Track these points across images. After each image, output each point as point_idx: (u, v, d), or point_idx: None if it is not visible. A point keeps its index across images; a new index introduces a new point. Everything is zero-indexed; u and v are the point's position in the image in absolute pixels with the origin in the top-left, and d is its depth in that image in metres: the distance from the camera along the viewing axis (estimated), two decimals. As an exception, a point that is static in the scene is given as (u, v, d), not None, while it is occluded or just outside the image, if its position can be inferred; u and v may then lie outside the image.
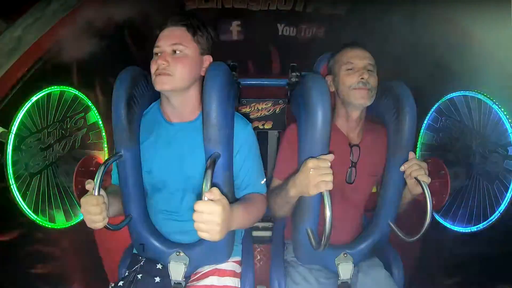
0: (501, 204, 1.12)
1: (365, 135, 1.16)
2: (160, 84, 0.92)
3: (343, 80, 1.08)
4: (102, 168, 0.86)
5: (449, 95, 1.34)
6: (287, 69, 1.36)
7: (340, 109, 1.14)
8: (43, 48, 1.15)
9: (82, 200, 0.84)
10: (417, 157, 1.30)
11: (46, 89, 1.22)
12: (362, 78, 1.04)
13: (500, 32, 1.06)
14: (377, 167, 1.15)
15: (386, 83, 1.09)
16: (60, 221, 1.29)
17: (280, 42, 1.92)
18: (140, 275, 1.00)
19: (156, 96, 1.06)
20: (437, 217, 1.36)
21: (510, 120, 1.10)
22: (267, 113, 1.91)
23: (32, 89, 1.15)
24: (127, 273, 1.02)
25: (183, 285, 1.00)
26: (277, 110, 1.90)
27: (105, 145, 1.57)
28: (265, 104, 1.90)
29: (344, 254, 1.07)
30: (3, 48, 1.05)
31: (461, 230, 1.25)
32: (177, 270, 0.99)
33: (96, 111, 1.50)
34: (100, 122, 1.53)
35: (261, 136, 1.85)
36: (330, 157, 0.88)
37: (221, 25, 1.83)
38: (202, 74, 0.99)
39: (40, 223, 1.19)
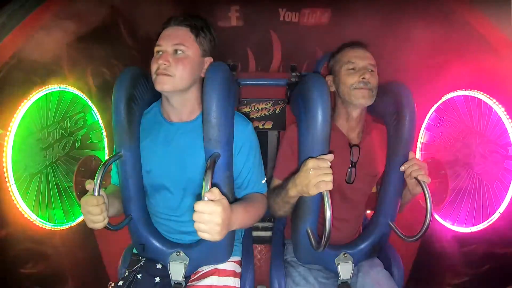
0: (501, 204, 1.12)
1: (365, 135, 1.16)
2: (160, 84, 0.92)
3: (344, 80, 1.08)
4: (102, 168, 0.86)
5: (449, 95, 1.34)
6: (288, 58, 1.30)
7: (340, 109, 1.15)
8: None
9: (82, 200, 0.84)
10: (417, 157, 1.30)
11: (46, 89, 1.21)
12: (363, 78, 1.05)
13: (500, 31, 1.06)
14: (377, 167, 1.14)
15: (386, 83, 1.09)
16: (60, 221, 1.29)
17: (281, 29, 1.79)
18: (140, 275, 1.01)
19: (157, 96, 1.06)
20: (437, 217, 1.36)
21: (510, 120, 1.10)
22: (267, 113, 1.90)
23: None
24: (127, 273, 1.02)
25: (183, 285, 1.00)
26: (277, 110, 1.90)
27: (105, 145, 1.57)
28: (265, 104, 1.89)
29: (344, 254, 1.07)
30: None
31: (461, 230, 1.25)
32: (177, 270, 0.99)
33: (95, 111, 1.50)
34: (100, 122, 1.53)
35: (261, 136, 1.84)
36: (330, 156, 0.88)
37: (218, 10, 1.70)
38: (203, 75, 0.99)
39: (40, 223, 1.19)
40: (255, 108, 1.90)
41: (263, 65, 1.98)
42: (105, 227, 0.89)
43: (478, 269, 1.18)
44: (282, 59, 1.88)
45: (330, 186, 0.84)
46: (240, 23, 1.73)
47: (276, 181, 1.12)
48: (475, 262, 1.19)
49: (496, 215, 1.13)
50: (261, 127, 1.90)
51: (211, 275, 1.03)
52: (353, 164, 1.10)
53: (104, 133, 1.56)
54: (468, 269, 1.23)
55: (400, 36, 1.40)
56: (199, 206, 0.72)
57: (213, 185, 0.79)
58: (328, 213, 0.82)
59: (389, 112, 1.07)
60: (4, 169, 1.06)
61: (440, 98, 1.38)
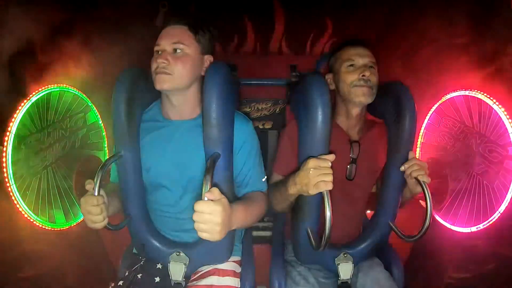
0: (501, 204, 1.12)
1: (365, 132, 1.16)
2: (160, 83, 0.93)
3: (344, 78, 1.08)
4: (102, 168, 0.86)
5: (449, 95, 1.34)
6: (293, 30, 1.20)
7: (340, 107, 1.15)
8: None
9: (82, 200, 0.85)
10: (417, 157, 1.29)
11: (46, 89, 1.21)
12: (363, 76, 1.05)
13: (499, 31, 1.07)
14: (377, 164, 1.15)
15: (386, 83, 1.09)
16: (60, 221, 1.29)
17: None
18: (140, 275, 1.01)
19: (157, 96, 1.06)
20: (437, 217, 1.36)
21: (510, 120, 1.10)
22: (267, 113, 1.91)
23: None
24: (127, 273, 1.02)
25: (183, 285, 1.00)
26: (277, 110, 1.90)
27: (105, 145, 1.57)
28: (265, 104, 1.90)
29: (344, 254, 1.07)
30: None
31: (461, 230, 1.25)
32: (177, 270, 0.99)
33: (96, 111, 1.50)
34: (100, 122, 1.53)
35: (261, 136, 1.84)
36: (331, 157, 0.88)
37: None
38: (203, 73, 0.99)
39: (40, 223, 1.18)
40: (255, 108, 1.90)
41: (263, 39, 1.80)
42: (105, 227, 0.89)
43: (479, 269, 1.18)
44: (285, 31, 1.72)
45: (330, 186, 0.84)
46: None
47: (276, 176, 1.12)
48: (475, 262, 1.19)
49: (496, 215, 1.13)
50: (261, 127, 1.90)
51: (211, 275, 1.03)
52: (353, 160, 1.10)
53: (104, 133, 1.56)
54: (468, 269, 1.23)
55: (402, 35, 1.40)
56: (199, 206, 0.73)
57: (213, 185, 0.79)
58: (328, 213, 0.82)
59: (389, 112, 1.07)
60: (4, 169, 1.06)
61: (440, 98, 1.38)
